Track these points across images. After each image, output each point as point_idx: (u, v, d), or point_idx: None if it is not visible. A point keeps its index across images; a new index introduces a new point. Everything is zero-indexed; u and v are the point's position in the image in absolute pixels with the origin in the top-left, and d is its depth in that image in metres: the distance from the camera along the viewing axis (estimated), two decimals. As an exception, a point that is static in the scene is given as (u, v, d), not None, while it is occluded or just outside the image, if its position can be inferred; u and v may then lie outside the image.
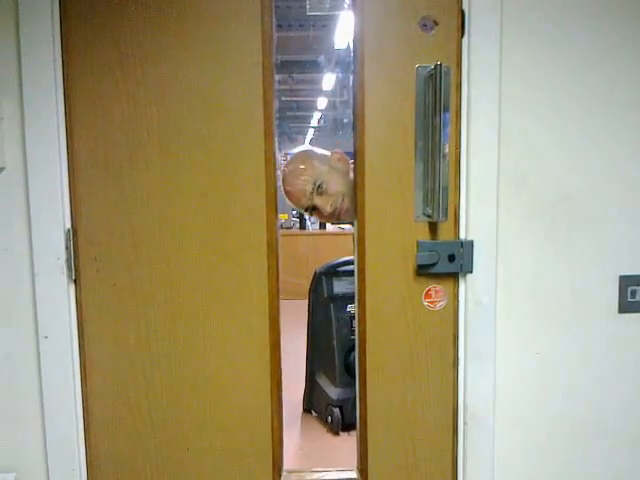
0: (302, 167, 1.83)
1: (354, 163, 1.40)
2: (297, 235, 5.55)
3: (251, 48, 1.34)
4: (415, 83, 1.35)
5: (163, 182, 1.36)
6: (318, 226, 5.60)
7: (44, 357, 1.36)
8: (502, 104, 1.35)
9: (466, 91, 1.35)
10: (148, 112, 1.35)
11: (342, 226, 5.88)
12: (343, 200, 1.79)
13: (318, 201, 1.80)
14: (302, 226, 5.55)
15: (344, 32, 5.23)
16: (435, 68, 1.29)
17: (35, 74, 1.31)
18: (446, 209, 1.36)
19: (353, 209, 1.44)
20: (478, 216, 1.37)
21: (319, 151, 1.92)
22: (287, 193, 1.85)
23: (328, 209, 1.80)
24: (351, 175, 1.76)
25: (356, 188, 1.40)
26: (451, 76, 1.35)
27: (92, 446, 1.43)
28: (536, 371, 1.43)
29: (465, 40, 1.34)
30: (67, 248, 1.35)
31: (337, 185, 1.79)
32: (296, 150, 1.93)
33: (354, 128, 1.38)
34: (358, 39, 1.35)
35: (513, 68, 1.35)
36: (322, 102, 10.72)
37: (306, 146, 1.94)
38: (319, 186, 1.79)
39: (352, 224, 1.50)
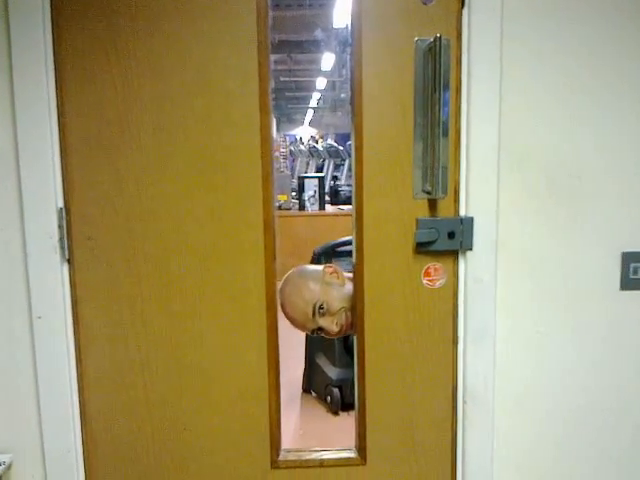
0: (298, 292, 1.77)
1: (352, 140, 1.37)
2: (296, 216, 5.51)
3: (246, 23, 1.31)
4: (414, 57, 1.32)
5: (157, 160, 1.34)
6: (317, 207, 5.57)
7: (38, 338, 1.35)
8: (503, 78, 1.32)
9: (466, 65, 1.33)
10: (141, 88, 1.32)
11: (341, 207, 5.86)
12: (347, 315, 1.73)
13: (323, 322, 1.74)
14: (301, 207, 5.52)
15: (343, 10, 5.15)
16: (434, 41, 1.26)
17: (25, 49, 1.27)
18: (446, 186, 1.34)
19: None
20: (478, 192, 1.35)
21: (310, 269, 1.88)
22: (290, 320, 1.80)
23: (335, 329, 1.74)
24: (348, 286, 1.73)
25: (355, 164, 1.37)
26: (451, 49, 1.32)
27: (88, 427, 1.42)
28: (537, 349, 1.42)
29: (465, 11, 1.30)
30: (60, 227, 1.33)
31: (337, 302, 1.74)
32: (287, 274, 1.86)
33: (352, 103, 1.35)
34: (356, 11, 1.31)
35: (515, 41, 1.32)
36: (321, 82, 10.64)
37: (297, 268, 1.88)
38: (320, 307, 1.73)
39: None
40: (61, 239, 1.33)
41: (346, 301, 1.73)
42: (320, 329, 1.77)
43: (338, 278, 1.79)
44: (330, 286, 1.77)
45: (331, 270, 1.80)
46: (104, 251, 1.36)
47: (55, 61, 1.30)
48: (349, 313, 1.72)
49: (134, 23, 1.30)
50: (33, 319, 1.34)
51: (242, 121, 1.34)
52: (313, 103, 13.72)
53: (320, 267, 1.85)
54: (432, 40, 1.27)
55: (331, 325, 1.74)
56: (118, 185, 1.34)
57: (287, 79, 9.85)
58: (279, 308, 1.64)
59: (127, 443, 1.44)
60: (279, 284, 1.76)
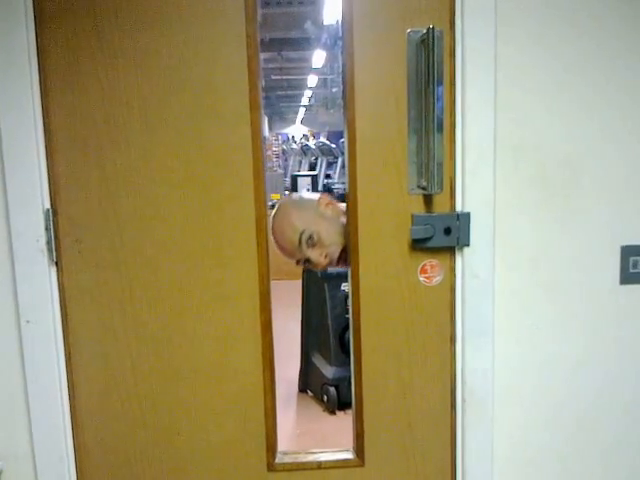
0: (288, 219, 1.71)
1: (345, 134, 1.35)
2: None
3: (234, 16, 1.28)
4: (407, 49, 1.30)
5: (145, 158, 1.31)
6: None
7: (26, 342, 1.32)
8: (498, 70, 1.30)
9: (460, 57, 1.30)
10: (127, 86, 1.29)
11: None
12: (340, 250, 1.68)
13: (311, 254, 1.68)
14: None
15: (333, 6, 5.13)
16: (427, 32, 1.23)
17: (7, 47, 1.24)
18: (441, 181, 1.31)
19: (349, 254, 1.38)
20: (475, 187, 1.32)
21: (306, 197, 1.81)
22: (278, 248, 1.74)
23: (322, 261, 1.69)
24: (342, 219, 1.67)
25: (348, 159, 1.34)
26: (444, 41, 1.29)
27: (80, 432, 1.39)
28: (535, 345, 1.40)
29: (458, 1, 1.27)
30: (47, 229, 1.30)
31: (329, 235, 1.67)
32: (281, 200, 1.80)
33: (344, 97, 1.33)
34: (347, 2, 1.28)
35: (509, 32, 1.29)
36: (312, 80, 10.62)
37: (291, 195, 1.83)
38: (309, 237, 1.66)
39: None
40: (48, 241, 1.30)
41: (339, 235, 1.67)
42: (308, 260, 1.71)
43: (333, 210, 1.72)
44: (323, 217, 1.70)
45: (326, 201, 1.73)
46: (92, 253, 1.33)
47: (39, 60, 1.27)
48: (341, 248, 1.67)
49: (119, 20, 1.27)
50: (21, 323, 1.31)
51: (232, 117, 1.31)
52: (305, 101, 13.71)
53: (316, 196, 1.78)
54: (425, 31, 1.24)
55: (319, 257, 1.68)
56: (105, 185, 1.31)
57: (278, 77, 9.83)
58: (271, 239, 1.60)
59: (120, 449, 1.41)
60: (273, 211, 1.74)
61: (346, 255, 1.52)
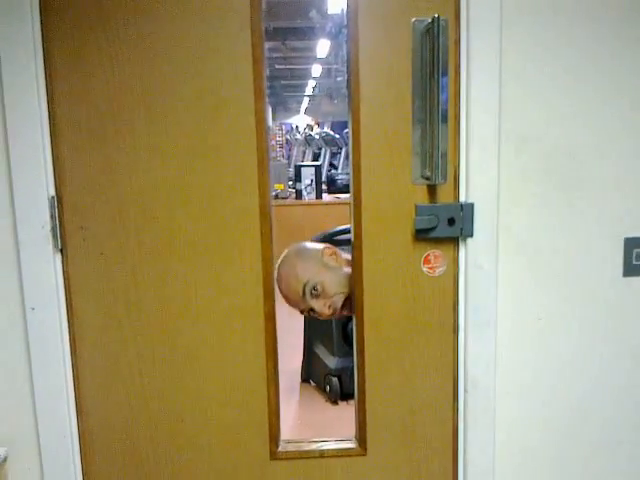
0: (292, 269, 1.73)
1: (349, 124, 1.34)
2: (293, 205, 5.48)
3: (239, 3, 1.27)
4: (412, 38, 1.29)
5: (149, 145, 1.31)
6: (314, 196, 5.54)
7: (32, 329, 1.32)
8: (503, 61, 1.29)
9: (465, 47, 1.29)
10: (132, 73, 1.29)
11: (338, 195, 5.83)
12: (344, 299, 1.69)
13: (315, 304, 1.70)
14: (298, 196, 5.48)
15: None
16: (432, 21, 1.22)
17: (12, 35, 1.24)
18: (445, 171, 1.31)
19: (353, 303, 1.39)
20: (479, 178, 1.32)
21: (310, 247, 1.82)
22: (284, 297, 1.76)
23: (326, 312, 1.71)
24: (346, 269, 1.69)
25: (352, 149, 1.34)
26: (449, 31, 1.28)
27: (84, 418, 1.40)
28: (538, 337, 1.40)
29: (464, -11, 1.27)
30: (52, 216, 1.30)
31: (333, 285, 1.69)
32: (286, 251, 1.81)
33: (348, 87, 1.32)
34: (352, -9, 1.28)
35: (515, 21, 1.29)
36: (317, 69, 10.57)
37: (295, 245, 1.83)
38: (313, 288, 1.69)
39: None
40: (53, 228, 1.31)
41: (343, 285, 1.69)
42: (312, 310, 1.73)
43: (336, 261, 1.75)
44: (327, 268, 1.72)
45: (330, 251, 1.76)
46: (97, 240, 1.34)
47: (44, 47, 1.27)
48: (345, 297, 1.68)
49: (124, 9, 1.27)
50: (26, 310, 1.32)
51: (236, 105, 1.31)
52: (309, 91, 13.66)
53: (320, 246, 1.80)
54: (430, 21, 1.24)
55: (323, 308, 1.70)
56: (110, 172, 1.31)
57: (282, 67, 9.79)
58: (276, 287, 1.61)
59: (124, 434, 1.42)
60: (278, 261, 1.74)
61: (350, 303, 1.55)
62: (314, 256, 1.75)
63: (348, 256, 1.68)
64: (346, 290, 1.68)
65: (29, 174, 1.28)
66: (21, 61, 1.25)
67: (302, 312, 1.77)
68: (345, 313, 1.73)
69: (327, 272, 1.71)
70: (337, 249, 1.78)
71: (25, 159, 1.28)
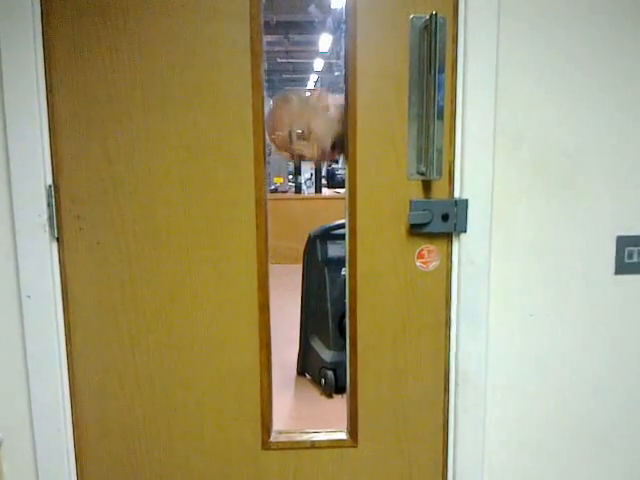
0: (279, 114, 1.70)
1: (346, 117, 1.35)
2: (292, 199, 5.49)
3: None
4: (409, 35, 1.30)
5: (147, 136, 1.32)
6: (314, 190, 5.56)
7: (27, 317, 1.34)
8: (500, 57, 1.30)
9: (462, 44, 1.30)
10: (130, 63, 1.30)
11: (338, 190, 5.84)
12: (332, 141, 1.64)
13: (303, 148, 1.67)
14: (297, 190, 5.49)
15: (340, -10, 5.09)
16: (430, 18, 1.23)
17: (12, 24, 1.24)
18: (441, 167, 1.32)
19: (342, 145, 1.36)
20: (473, 174, 1.33)
21: (297, 92, 1.80)
22: (272, 142, 1.71)
23: (315, 154, 1.67)
24: (332, 110, 1.65)
25: (348, 143, 1.35)
26: (447, 28, 1.29)
27: (78, 406, 1.42)
28: (530, 333, 1.41)
29: (462, -13, 1.28)
30: (49, 205, 1.31)
31: (320, 127, 1.65)
32: (274, 97, 1.80)
33: (346, 81, 1.33)
34: (350, -13, 1.29)
35: (512, 20, 1.29)
36: (319, 64, 10.55)
37: (283, 92, 1.81)
38: (301, 132, 1.66)
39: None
40: (50, 217, 1.32)
41: (330, 128, 1.64)
42: (302, 155, 1.70)
43: (324, 102, 1.69)
44: (314, 111, 1.68)
45: (318, 94, 1.72)
46: (93, 230, 1.35)
47: (43, 37, 1.28)
48: (333, 140, 1.64)
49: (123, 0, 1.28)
50: (22, 298, 1.33)
51: (234, 97, 1.31)
52: (311, 85, 13.62)
53: (311, 90, 1.78)
54: (428, 17, 1.24)
55: (311, 151, 1.67)
56: (107, 162, 1.32)
57: (284, 61, 9.75)
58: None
59: (117, 423, 1.43)
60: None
61: (340, 145, 1.54)
62: (301, 100, 1.73)
63: (337, 97, 1.64)
64: (334, 132, 1.64)
65: (27, 163, 1.29)
66: (20, 50, 1.25)
67: (292, 157, 1.76)
68: (336, 156, 1.72)
69: (314, 116, 1.68)
70: (327, 92, 1.77)
71: (23, 148, 1.28)
